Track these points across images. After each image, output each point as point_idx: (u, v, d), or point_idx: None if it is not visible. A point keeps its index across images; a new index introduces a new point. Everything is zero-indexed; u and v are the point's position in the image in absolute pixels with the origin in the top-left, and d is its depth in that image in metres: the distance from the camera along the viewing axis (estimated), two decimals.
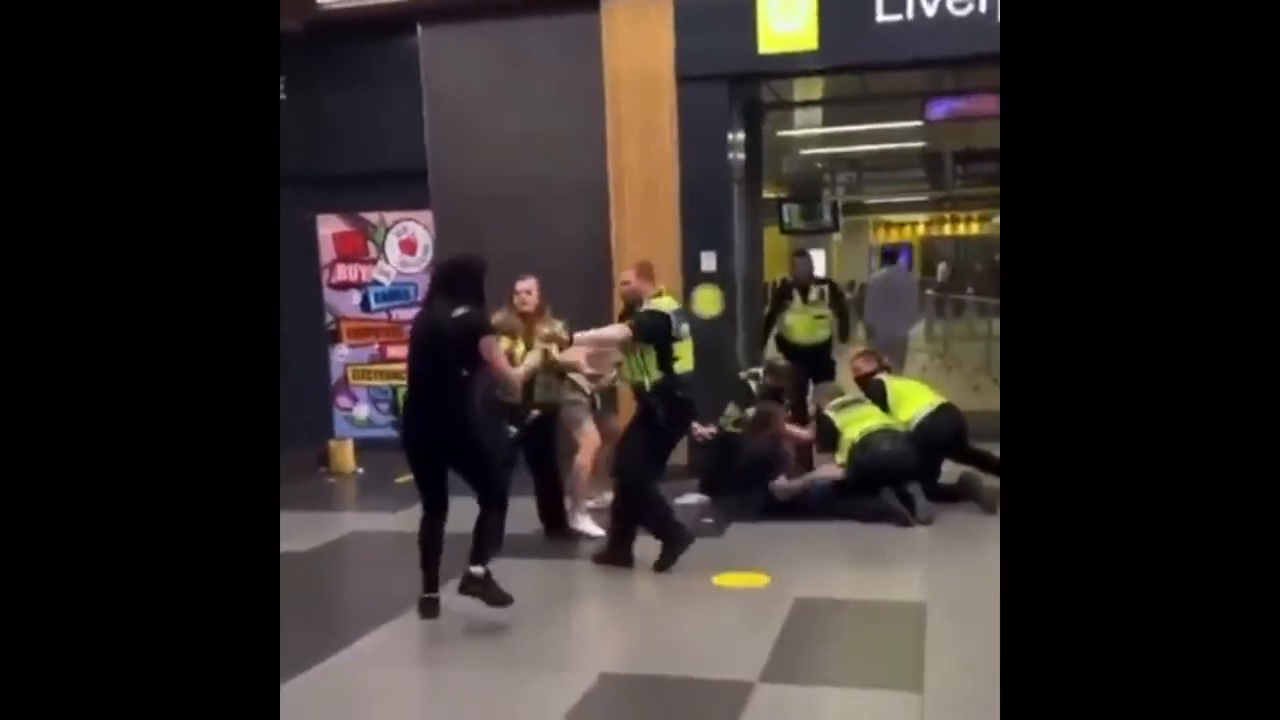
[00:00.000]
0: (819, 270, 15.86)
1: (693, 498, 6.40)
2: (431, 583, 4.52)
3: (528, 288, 5.72)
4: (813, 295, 7.74)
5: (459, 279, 4.39)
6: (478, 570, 4.31)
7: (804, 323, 7.70)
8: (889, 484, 5.87)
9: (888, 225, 25.89)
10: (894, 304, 9.27)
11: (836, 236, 17.81)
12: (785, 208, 13.51)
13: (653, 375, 5.02)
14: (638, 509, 5.13)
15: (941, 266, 23.35)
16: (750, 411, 6.40)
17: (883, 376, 6.60)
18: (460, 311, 4.24)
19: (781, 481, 6.11)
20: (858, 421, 6.12)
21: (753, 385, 6.74)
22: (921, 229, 26.04)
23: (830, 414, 6.26)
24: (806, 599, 4.58)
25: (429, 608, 4.50)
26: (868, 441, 5.97)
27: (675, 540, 5.05)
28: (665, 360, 5.01)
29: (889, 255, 11.71)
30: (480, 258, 4.58)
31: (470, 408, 4.38)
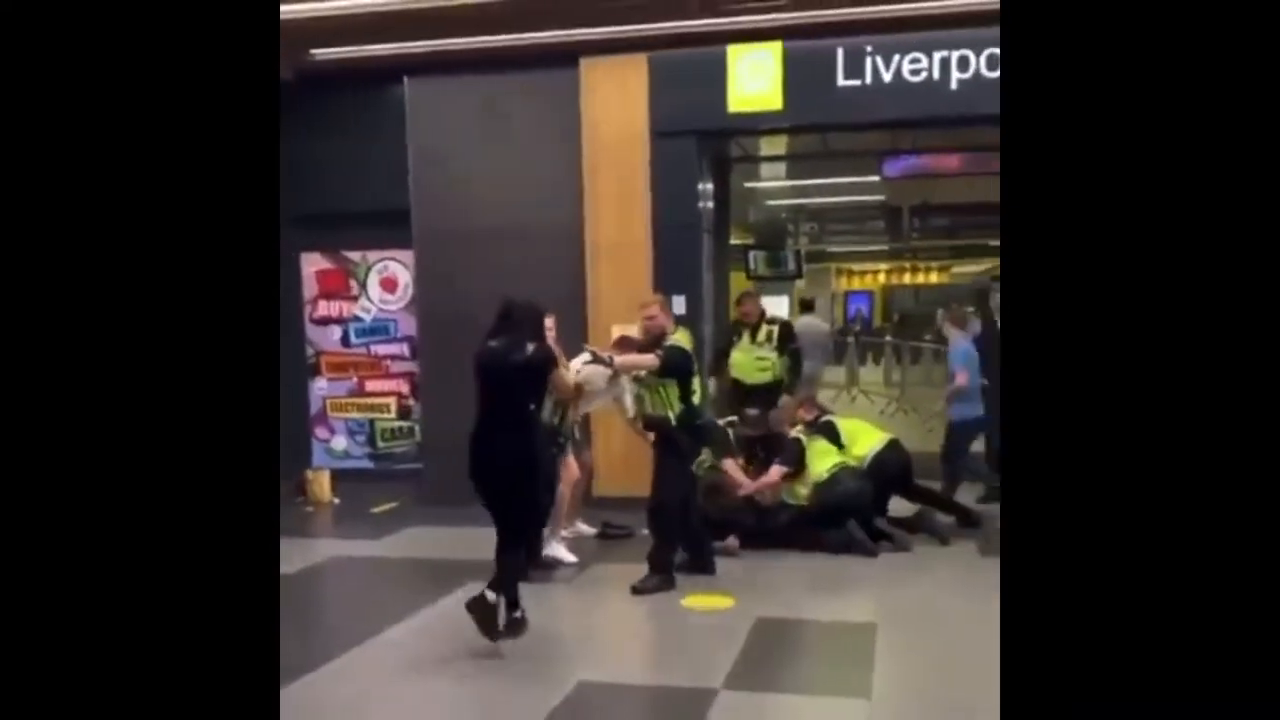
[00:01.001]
0: (783, 313, 16.34)
1: None
2: (513, 601, 4.62)
3: (550, 324, 6.09)
4: (760, 336, 7.44)
5: (525, 320, 4.70)
6: (491, 596, 4.51)
7: (747, 362, 7.41)
8: (841, 521, 6.22)
9: (850, 273, 26.60)
10: (812, 347, 10.22)
11: (800, 283, 18.32)
12: (752, 254, 14.03)
13: (675, 408, 5.42)
14: (663, 530, 5.47)
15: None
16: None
17: (831, 418, 6.96)
18: (533, 348, 4.58)
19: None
20: (824, 456, 6.48)
21: (731, 433, 6.88)
22: (882, 277, 26.76)
23: (802, 438, 6.60)
24: (767, 618, 4.94)
25: (516, 626, 4.57)
26: (834, 478, 6.32)
27: (664, 578, 5.42)
28: (686, 394, 5.44)
29: (806, 305, 12.36)
30: (539, 303, 4.90)
31: (538, 436, 4.68)
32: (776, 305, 17.68)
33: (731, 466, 6.50)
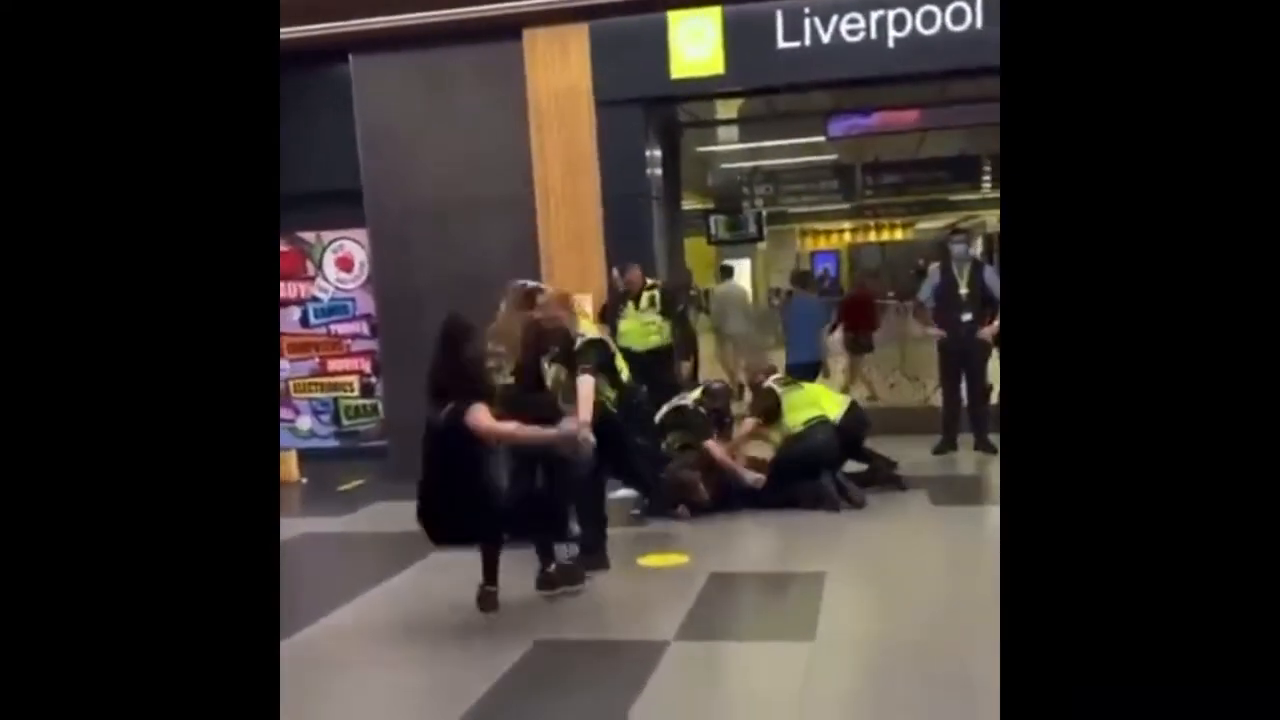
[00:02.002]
0: (743, 279, 16.47)
1: (625, 491, 6.79)
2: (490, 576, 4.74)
3: (575, 300, 6.22)
4: (643, 302, 7.42)
5: (439, 376, 4.53)
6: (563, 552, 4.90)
7: (636, 329, 7.37)
8: (816, 472, 6.31)
9: (814, 233, 26.76)
10: (734, 310, 11.06)
11: (762, 245, 18.45)
12: (712, 219, 14.12)
13: (610, 394, 5.32)
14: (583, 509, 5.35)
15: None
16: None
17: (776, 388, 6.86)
18: (446, 410, 4.43)
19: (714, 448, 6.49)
20: (800, 409, 6.55)
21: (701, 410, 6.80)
22: (847, 236, 26.94)
23: (776, 389, 6.67)
24: (720, 573, 5.10)
25: (487, 600, 4.70)
26: (806, 432, 6.42)
27: (592, 549, 5.26)
28: (615, 379, 5.39)
29: (725, 270, 12.44)
30: (457, 319, 4.66)
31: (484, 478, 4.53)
32: (739, 270, 17.87)
33: (714, 446, 6.48)
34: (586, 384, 5.11)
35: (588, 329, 5.51)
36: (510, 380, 5.05)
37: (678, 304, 7.53)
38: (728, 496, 6.35)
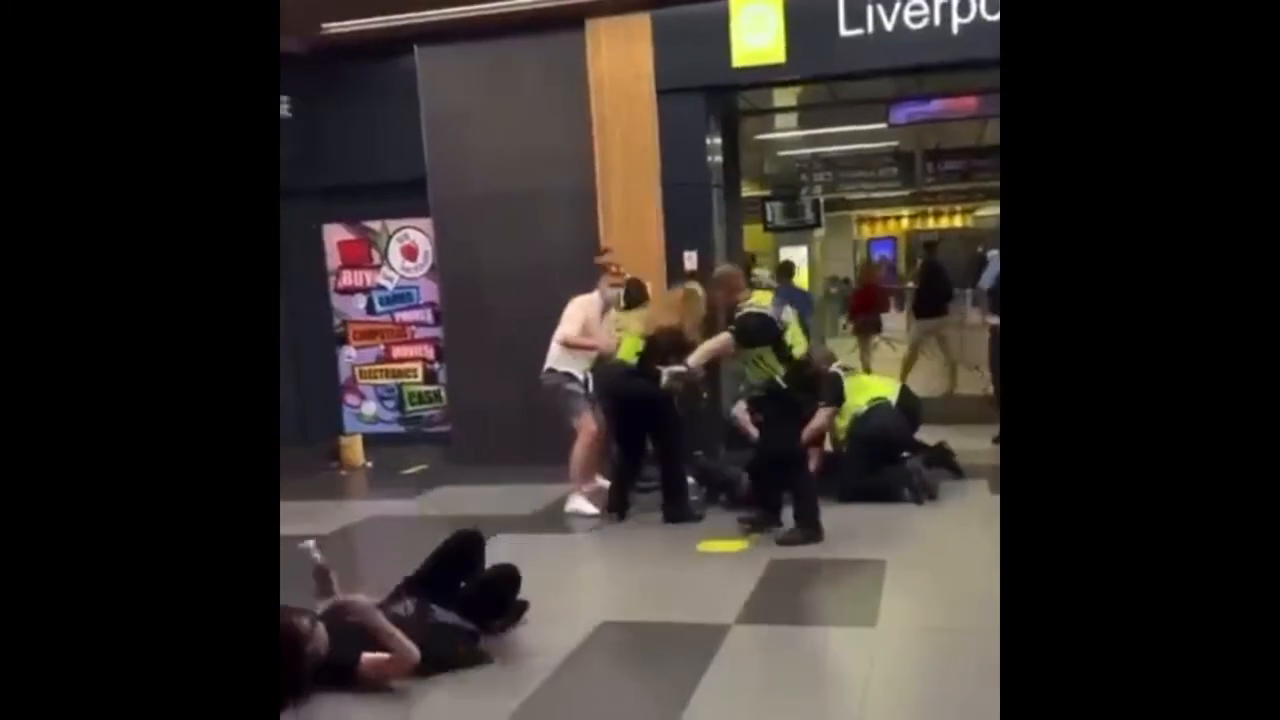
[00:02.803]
0: (801, 274, 16.36)
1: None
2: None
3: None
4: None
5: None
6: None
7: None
8: (889, 452, 6.35)
9: (872, 220, 26.53)
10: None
11: (819, 232, 18.34)
12: (769, 206, 14.08)
13: (779, 370, 5.40)
14: (795, 483, 5.52)
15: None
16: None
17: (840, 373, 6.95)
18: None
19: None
20: (862, 390, 6.63)
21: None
22: (905, 223, 26.66)
23: (841, 374, 6.76)
24: (780, 559, 5.16)
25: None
26: (871, 411, 6.45)
27: (810, 522, 5.42)
28: (784, 353, 5.43)
29: (786, 269, 12.38)
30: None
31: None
32: (795, 255, 17.75)
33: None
34: (718, 339, 5.56)
35: (760, 300, 5.64)
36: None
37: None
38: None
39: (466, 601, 4.12)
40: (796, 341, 5.50)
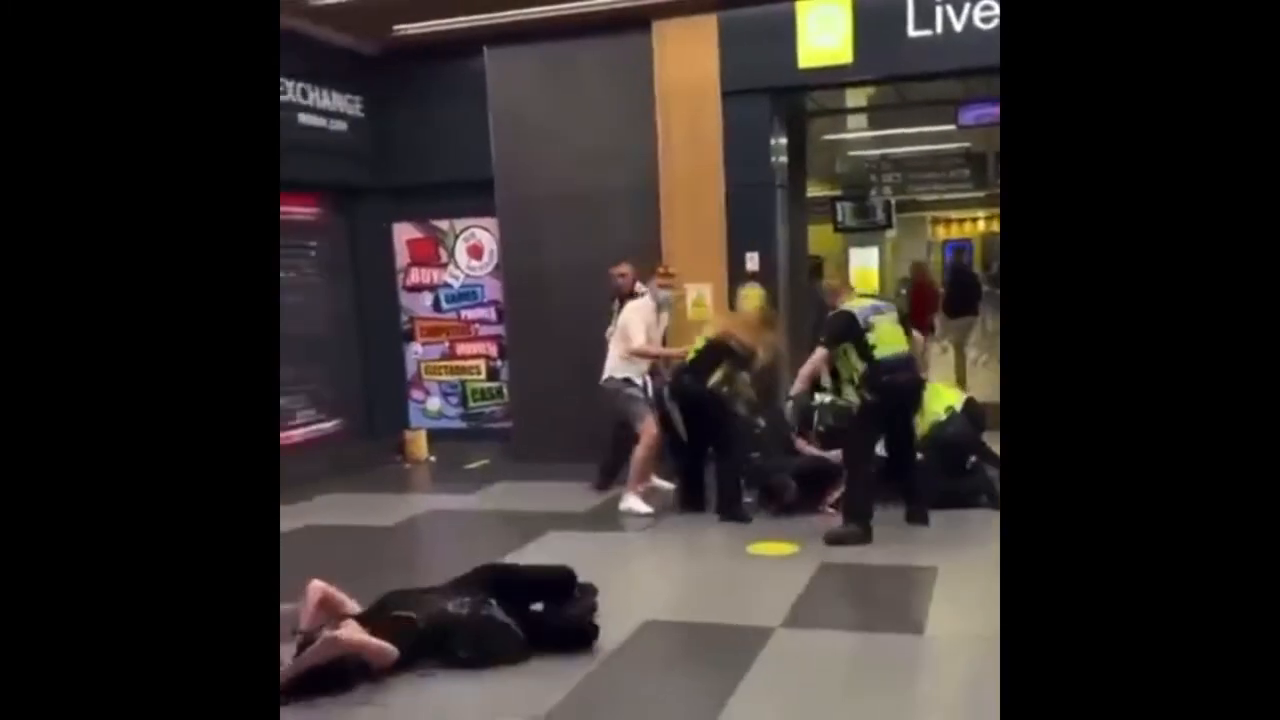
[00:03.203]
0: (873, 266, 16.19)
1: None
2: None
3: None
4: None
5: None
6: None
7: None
8: (961, 461, 6.35)
9: (946, 222, 26.08)
10: None
11: (891, 233, 18.12)
12: (839, 206, 13.96)
13: (859, 369, 5.66)
14: (853, 483, 5.69)
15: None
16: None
17: None
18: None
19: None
20: (939, 398, 6.59)
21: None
22: (981, 225, 26.17)
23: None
24: (830, 564, 5.13)
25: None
26: (949, 420, 6.41)
27: (860, 524, 5.51)
28: (865, 351, 5.64)
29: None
30: None
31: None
32: (864, 257, 17.54)
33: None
34: (813, 357, 5.87)
35: (852, 303, 5.84)
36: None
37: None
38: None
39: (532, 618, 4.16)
40: (882, 341, 5.64)
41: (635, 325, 6.49)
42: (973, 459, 6.39)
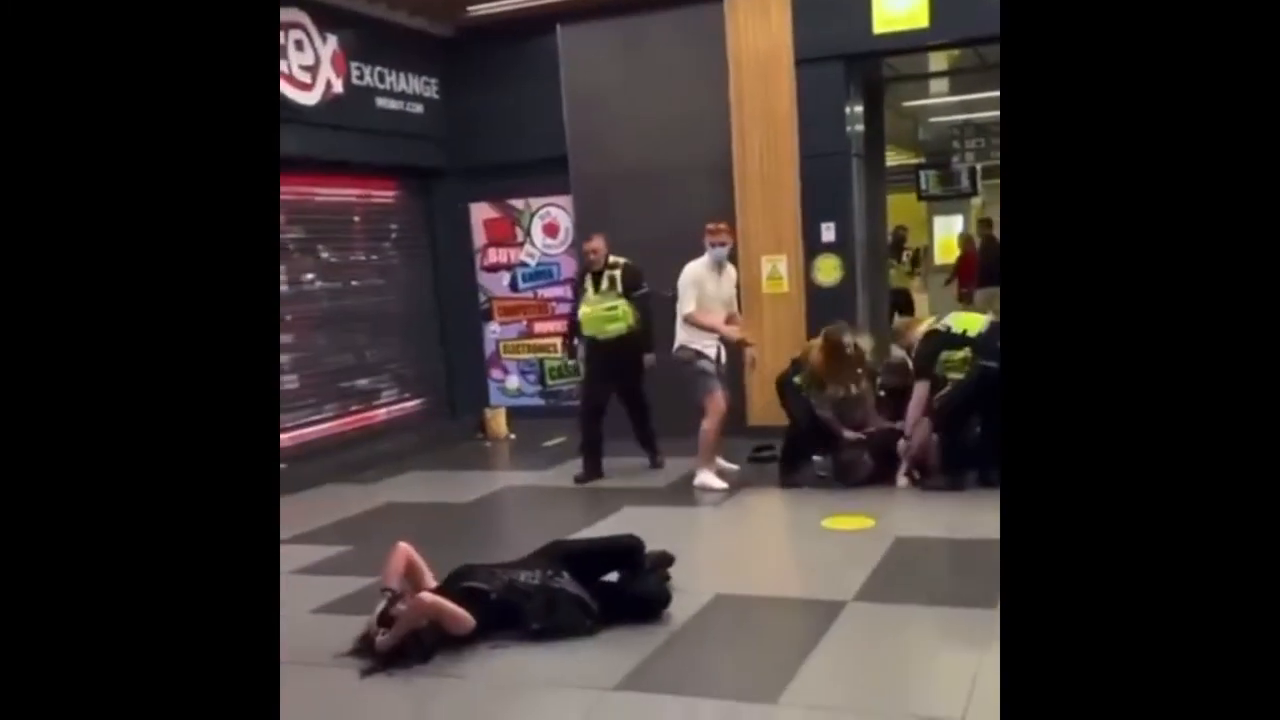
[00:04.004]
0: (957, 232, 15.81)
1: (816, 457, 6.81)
2: None
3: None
4: (603, 283, 6.78)
5: None
6: None
7: (593, 315, 6.74)
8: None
9: None
10: None
11: (976, 200, 17.68)
12: (922, 174, 13.67)
13: (955, 359, 5.94)
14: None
15: None
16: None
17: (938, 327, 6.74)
18: None
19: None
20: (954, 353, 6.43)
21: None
22: None
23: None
24: (906, 538, 5.05)
25: None
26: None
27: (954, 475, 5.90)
28: (952, 348, 5.97)
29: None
30: None
31: None
32: (949, 225, 17.12)
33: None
34: (917, 399, 5.97)
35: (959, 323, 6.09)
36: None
37: (639, 286, 6.79)
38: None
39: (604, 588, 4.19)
40: (958, 323, 6.04)
41: (686, 291, 6.36)
42: None
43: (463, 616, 3.91)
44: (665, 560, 4.37)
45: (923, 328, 6.17)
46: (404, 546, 4.13)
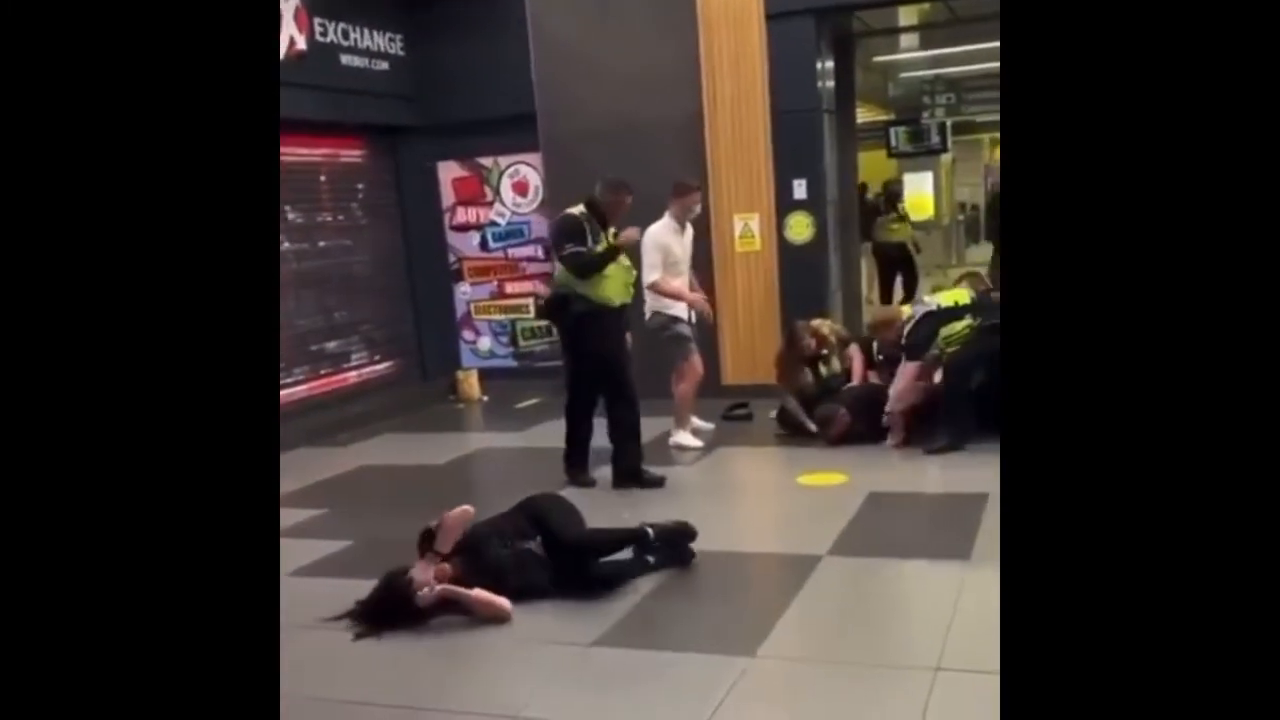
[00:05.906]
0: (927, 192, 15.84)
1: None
2: None
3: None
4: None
5: None
6: None
7: (622, 281, 5.72)
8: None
9: None
10: None
11: (946, 157, 17.69)
12: (892, 131, 13.62)
13: (961, 329, 5.92)
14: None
15: None
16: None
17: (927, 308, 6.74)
18: None
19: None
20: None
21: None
22: None
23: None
24: (879, 492, 5.10)
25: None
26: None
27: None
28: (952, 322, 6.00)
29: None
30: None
31: None
32: (919, 183, 17.14)
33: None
34: (906, 379, 5.92)
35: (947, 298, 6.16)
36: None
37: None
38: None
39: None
40: (954, 299, 6.12)
41: (650, 256, 6.18)
42: None
43: (501, 607, 3.86)
44: (687, 534, 4.32)
45: (905, 315, 6.23)
46: (469, 510, 4.05)
